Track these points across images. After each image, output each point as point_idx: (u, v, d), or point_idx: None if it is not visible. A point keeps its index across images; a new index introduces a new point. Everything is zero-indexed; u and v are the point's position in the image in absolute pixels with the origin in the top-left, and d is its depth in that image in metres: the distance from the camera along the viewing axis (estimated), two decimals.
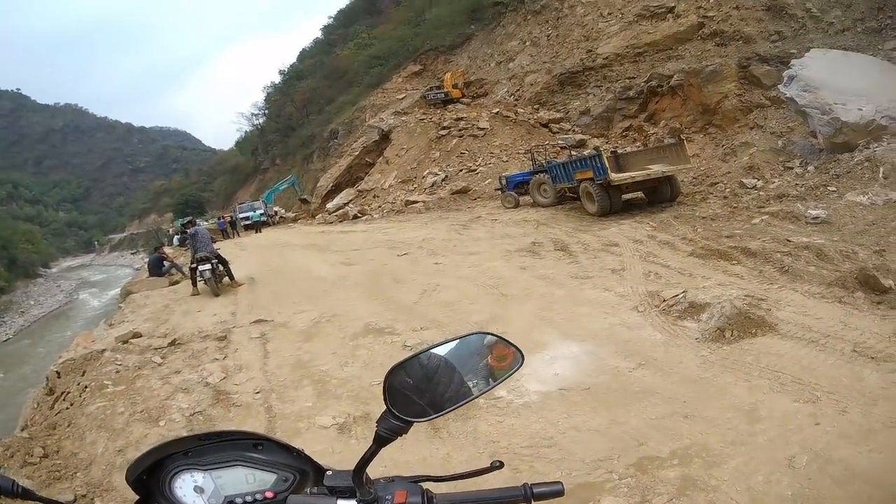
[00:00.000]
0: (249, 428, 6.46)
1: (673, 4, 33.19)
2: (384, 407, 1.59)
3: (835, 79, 19.14)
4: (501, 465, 1.68)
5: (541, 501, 1.56)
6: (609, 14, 36.91)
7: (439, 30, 55.77)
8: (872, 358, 6.61)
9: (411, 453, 5.64)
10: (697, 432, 5.64)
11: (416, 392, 1.69)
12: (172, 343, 10.69)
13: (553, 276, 12.22)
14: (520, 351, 1.90)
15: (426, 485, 1.64)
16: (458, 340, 1.86)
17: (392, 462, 5.07)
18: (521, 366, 1.89)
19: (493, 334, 1.93)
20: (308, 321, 11.24)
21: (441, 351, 1.82)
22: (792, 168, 19.20)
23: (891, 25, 24.18)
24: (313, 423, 6.80)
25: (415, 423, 1.62)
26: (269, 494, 1.65)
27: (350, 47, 76.71)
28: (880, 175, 15.30)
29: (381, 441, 1.60)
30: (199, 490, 1.64)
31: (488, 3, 50.28)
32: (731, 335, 7.75)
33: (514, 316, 9.78)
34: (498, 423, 6.05)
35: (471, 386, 1.80)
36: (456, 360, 1.82)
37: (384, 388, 1.62)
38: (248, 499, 1.65)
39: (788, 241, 11.68)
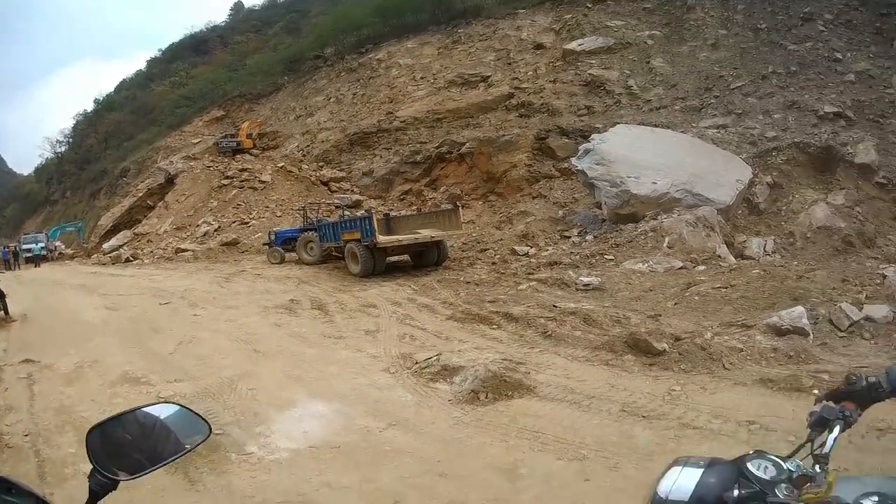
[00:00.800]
0: (23, 471, 6.50)
1: (489, 74, 34.08)
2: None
3: (634, 153, 19.88)
4: None
5: None
6: (422, 78, 37.44)
7: (255, 77, 55.09)
8: (644, 417, 6.66)
9: None
10: (455, 490, 5.53)
11: (134, 447, 1.92)
12: None
13: (307, 335, 11.89)
14: (206, 422, 2.11)
15: None
16: (155, 405, 2.09)
17: None
18: (208, 436, 2.09)
19: (181, 405, 2.14)
20: (71, 365, 10.63)
21: (144, 412, 2.05)
22: (569, 237, 19.80)
23: (713, 105, 25.45)
24: (78, 470, 6.32)
25: (124, 480, 1.78)
26: None
27: (165, 84, 74.66)
28: (665, 245, 15.83)
29: (93, 495, 1.72)
30: None
31: (309, 56, 50.24)
32: (486, 397, 7.52)
33: (265, 372, 9.29)
34: (251, 478, 5.75)
35: (165, 451, 1.96)
36: (156, 423, 2.03)
37: (86, 447, 1.82)
38: None
39: (555, 306, 11.70)
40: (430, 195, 29.77)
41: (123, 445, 1.90)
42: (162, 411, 2.09)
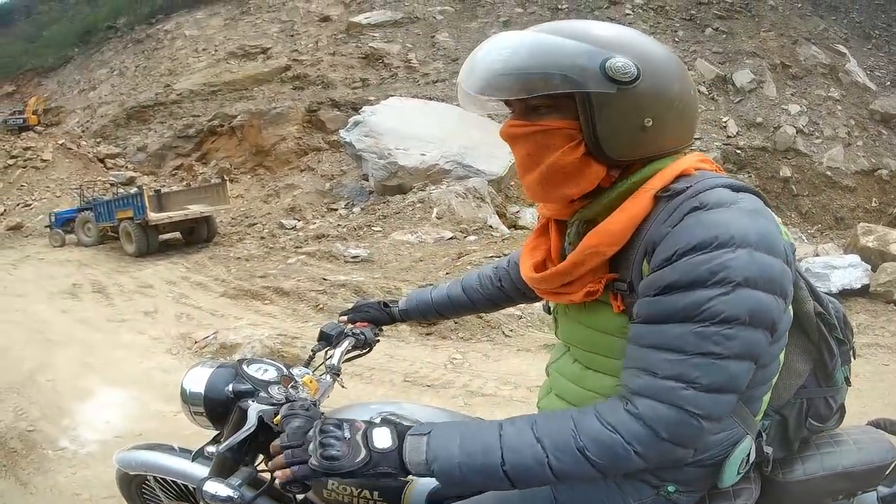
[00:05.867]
0: None
1: (270, 45, 34.10)
2: None
3: (404, 125, 20.41)
4: None
5: None
6: (204, 50, 37.02)
7: (49, 49, 51.93)
8: (429, 385, 6.86)
9: None
10: None
11: None
12: None
13: (92, 320, 11.78)
14: None
15: None
16: None
17: None
18: None
19: None
20: None
21: None
22: (336, 210, 20.24)
23: None
24: None
25: None
26: None
27: None
28: (433, 215, 16.22)
29: None
30: None
31: (102, 27, 48.48)
32: None
33: (61, 362, 9.18)
34: (73, 475, 5.74)
35: None
36: None
37: None
38: None
39: (325, 279, 11.92)
40: (200, 170, 29.85)
41: None
42: None
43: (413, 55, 30.31)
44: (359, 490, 2.07)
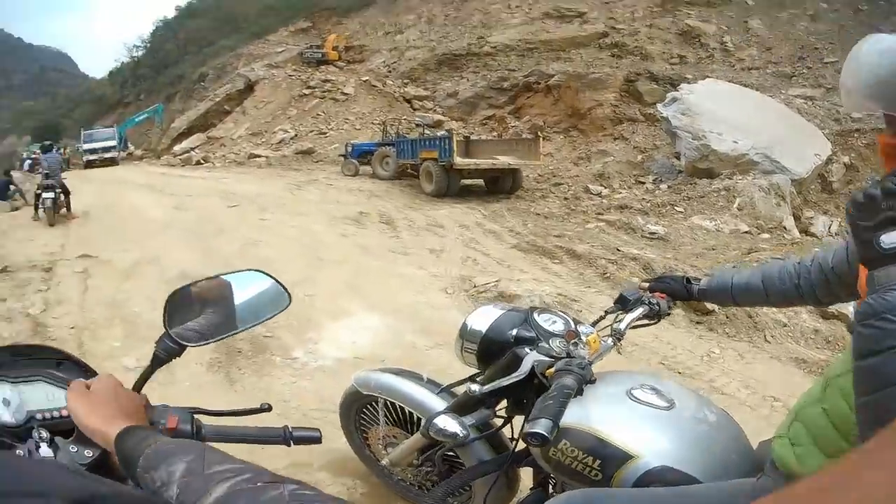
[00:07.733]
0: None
1: (585, 10, 33.82)
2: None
3: (721, 109, 19.34)
4: (270, 408, 1.72)
5: (300, 445, 1.61)
6: (516, 7, 37.11)
7: None
8: (679, 373, 6.58)
9: (209, 404, 5.10)
10: None
11: (195, 317, 1.77)
12: (3, 270, 10.34)
13: (371, 248, 11.92)
14: (288, 293, 1.93)
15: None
16: (238, 273, 1.92)
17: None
18: (287, 306, 1.93)
19: (267, 273, 1.96)
20: (130, 261, 10.74)
21: (226, 280, 1.89)
22: (644, 183, 19.52)
23: (804, 75, 25.23)
24: (119, 364, 6.44)
25: (189, 348, 1.68)
26: (65, 412, 1.51)
27: None
28: (735, 206, 15.45)
29: (157, 361, 1.66)
30: (6, 402, 1.54)
31: None
32: None
33: (325, 280, 9.38)
34: (291, 383, 5.87)
35: (242, 319, 1.86)
36: (236, 292, 1.88)
37: (164, 310, 1.70)
38: (48, 415, 1.57)
39: (618, 249, 11.53)
40: (512, 123, 29.60)
41: (199, 312, 1.81)
42: (244, 279, 1.95)
43: (728, 38, 29.27)
44: (584, 455, 2.03)
